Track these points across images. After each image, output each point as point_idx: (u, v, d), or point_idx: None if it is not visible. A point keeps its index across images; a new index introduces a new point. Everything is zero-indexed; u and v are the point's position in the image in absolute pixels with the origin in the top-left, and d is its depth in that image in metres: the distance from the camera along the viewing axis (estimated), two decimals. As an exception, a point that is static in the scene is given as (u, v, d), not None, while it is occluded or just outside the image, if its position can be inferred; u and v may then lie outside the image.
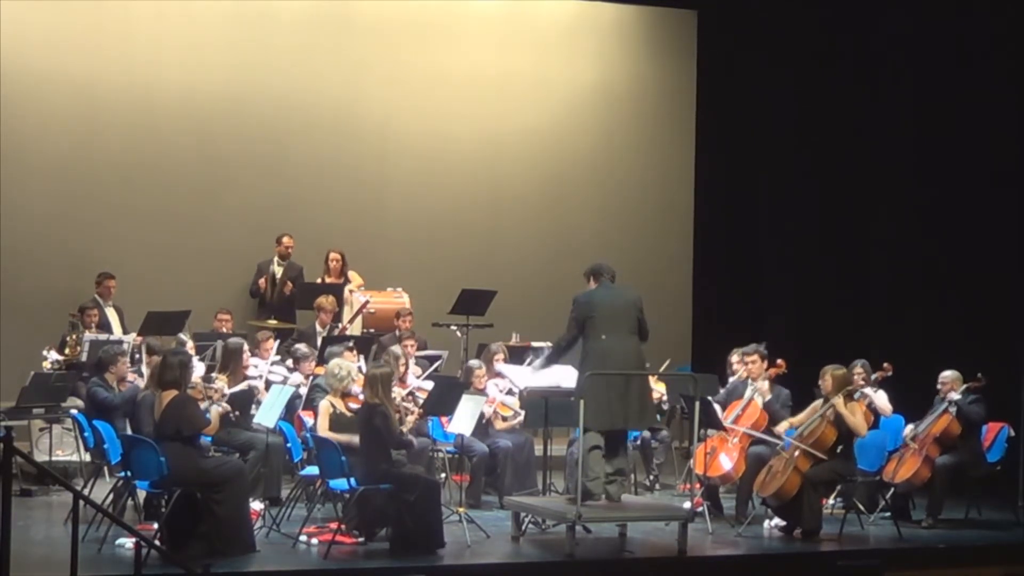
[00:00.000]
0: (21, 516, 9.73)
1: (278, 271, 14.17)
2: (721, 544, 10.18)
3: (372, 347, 12.71)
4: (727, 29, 15.92)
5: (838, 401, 10.29)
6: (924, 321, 14.23)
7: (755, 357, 11.13)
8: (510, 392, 11.73)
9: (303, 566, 9.06)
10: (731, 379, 11.54)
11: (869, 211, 14.99)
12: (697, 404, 10.01)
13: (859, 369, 11.39)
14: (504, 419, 11.66)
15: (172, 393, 9.14)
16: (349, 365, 10.32)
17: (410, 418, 10.11)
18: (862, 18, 14.94)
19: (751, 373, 11.13)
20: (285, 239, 14.23)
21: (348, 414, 9.89)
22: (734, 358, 11.65)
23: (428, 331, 13.65)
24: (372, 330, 13.71)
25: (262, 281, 14.06)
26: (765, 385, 11.04)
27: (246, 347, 11.24)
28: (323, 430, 9.79)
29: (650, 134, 16.28)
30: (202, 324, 13.29)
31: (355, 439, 9.56)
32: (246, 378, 10.97)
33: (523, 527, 10.06)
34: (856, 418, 10.31)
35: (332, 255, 14.19)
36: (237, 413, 10.32)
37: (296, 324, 13.90)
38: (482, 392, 11.38)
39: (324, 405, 9.97)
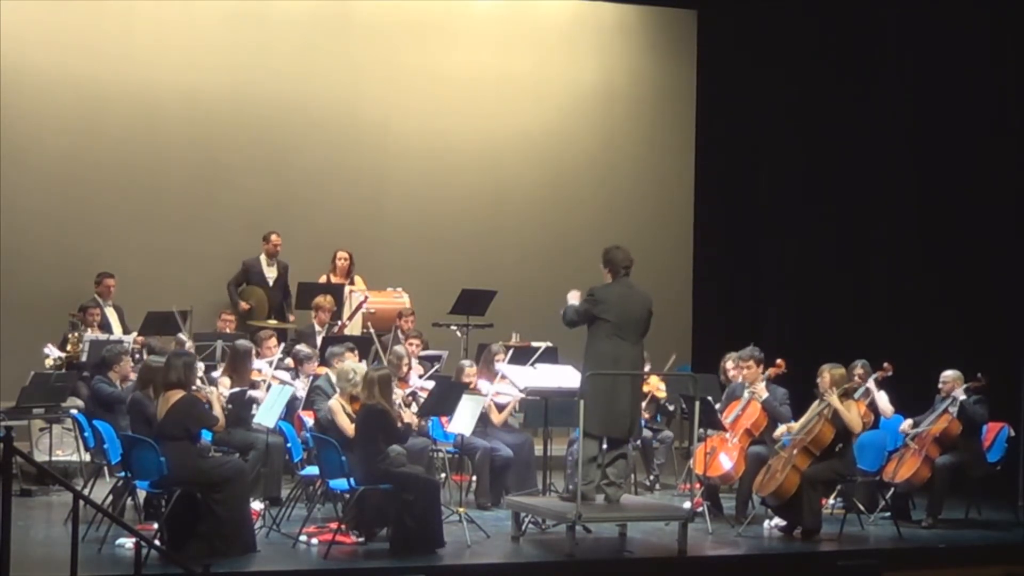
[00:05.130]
0: (21, 516, 9.75)
1: (269, 272, 14.14)
2: (721, 544, 10.18)
3: (372, 348, 12.70)
4: (727, 29, 15.93)
5: (833, 398, 10.30)
6: (924, 321, 14.23)
7: (751, 363, 11.11)
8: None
9: (303, 566, 9.06)
10: (728, 384, 11.53)
11: (869, 211, 14.98)
12: (697, 404, 10.01)
13: (859, 369, 11.39)
14: (500, 409, 11.63)
15: (178, 393, 9.13)
16: (362, 368, 10.23)
17: (407, 417, 10.08)
18: (861, 18, 14.94)
19: (747, 378, 11.13)
20: (273, 237, 14.16)
21: (352, 416, 9.89)
22: (728, 364, 11.65)
23: (428, 331, 13.65)
24: (373, 330, 13.70)
25: (244, 305, 13.98)
26: (761, 386, 11.04)
27: (253, 350, 11.24)
28: (348, 430, 9.65)
29: (650, 134, 16.29)
30: (202, 324, 13.29)
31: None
32: (252, 382, 10.96)
33: (523, 527, 10.05)
34: (851, 414, 10.32)
35: (340, 254, 14.19)
36: (230, 406, 10.30)
37: (294, 324, 13.91)
38: (474, 390, 11.37)
39: (336, 406, 9.87)
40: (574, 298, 10.05)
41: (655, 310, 10.05)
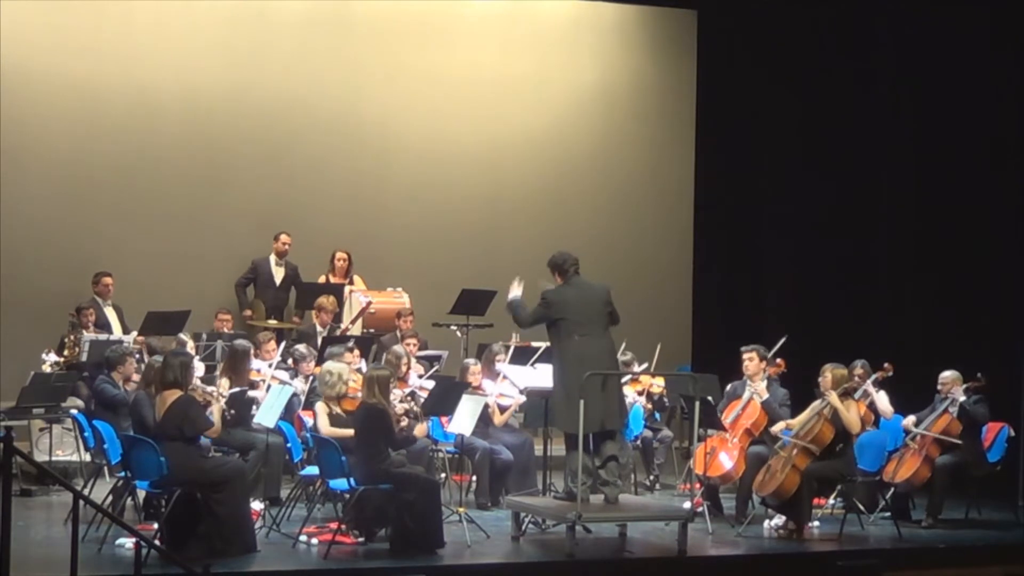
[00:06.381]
0: (21, 516, 9.73)
1: (277, 272, 14.19)
2: (721, 544, 10.18)
3: (372, 347, 12.72)
4: (727, 29, 15.91)
5: (833, 397, 10.30)
6: (924, 321, 14.23)
7: (753, 355, 11.11)
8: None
9: (303, 566, 9.06)
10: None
11: (869, 210, 14.98)
12: (697, 404, 10.01)
13: (859, 369, 11.37)
14: (503, 410, 11.64)
15: (175, 394, 9.13)
16: (340, 368, 10.24)
17: (405, 422, 10.10)
18: (861, 17, 14.94)
19: (748, 371, 11.12)
20: (283, 237, 14.23)
21: (343, 416, 9.90)
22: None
23: (428, 331, 13.65)
24: (372, 330, 13.72)
25: (247, 312, 14.06)
26: (762, 385, 11.03)
27: (252, 350, 11.24)
28: (324, 429, 9.77)
29: (650, 134, 16.29)
30: (202, 324, 13.29)
31: (349, 432, 9.59)
32: (250, 382, 10.96)
33: (523, 527, 10.06)
34: (851, 414, 10.32)
35: (339, 255, 14.22)
36: (233, 411, 10.30)
37: (296, 324, 13.92)
38: (479, 389, 11.39)
39: (320, 406, 9.96)
40: (517, 289, 10.05)
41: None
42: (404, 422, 10.01)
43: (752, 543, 10.23)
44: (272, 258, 14.24)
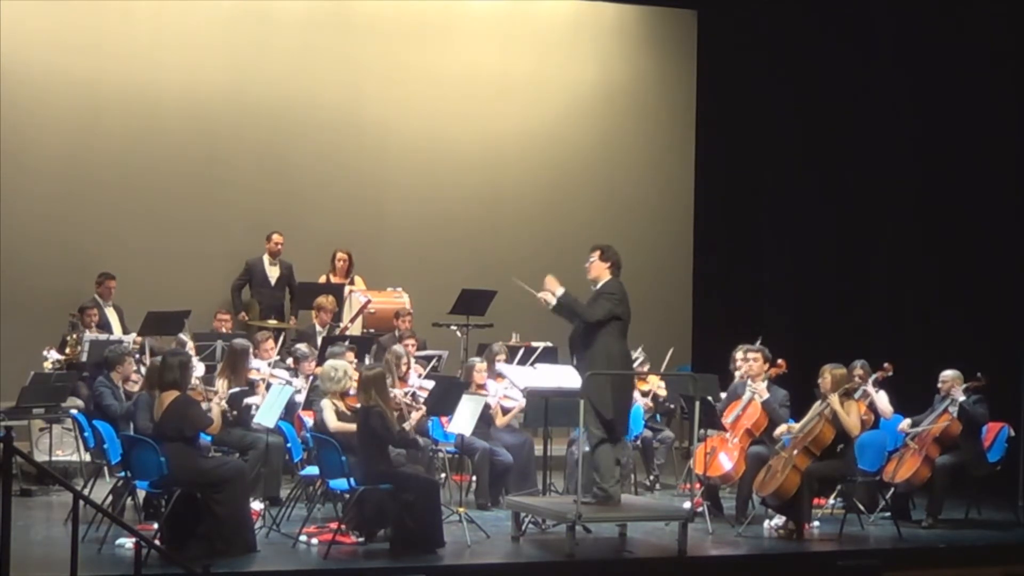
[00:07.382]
0: (21, 516, 9.73)
1: (271, 272, 14.18)
2: (721, 544, 10.18)
3: (372, 347, 12.72)
4: (727, 29, 15.93)
5: (833, 399, 10.30)
6: (924, 321, 14.23)
7: (758, 355, 11.10)
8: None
9: (303, 566, 9.06)
10: (735, 377, 11.50)
11: (870, 210, 14.99)
12: (697, 404, 10.01)
13: (859, 369, 11.38)
14: (505, 412, 11.63)
15: (173, 394, 9.13)
16: (344, 365, 10.23)
17: (415, 415, 10.11)
18: (861, 17, 14.94)
19: (751, 371, 11.10)
20: (275, 236, 14.23)
21: (348, 413, 9.89)
22: (738, 355, 11.61)
23: (428, 331, 13.65)
24: (372, 330, 13.72)
25: (243, 315, 14.06)
26: (763, 386, 11.02)
27: (251, 349, 11.24)
28: (333, 424, 9.73)
29: (650, 134, 16.30)
30: (202, 324, 13.30)
31: (354, 427, 9.60)
32: (249, 382, 10.96)
33: (523, 527, 10.05)
34: (851, 417, 10.31)
35: (339, 255, 14.22)
36: (235, 412, 10.31)
37: (295, 324, 13.92)
38: (483, 389, 11.39)
39: (326, 403, 9.92)
40: (556, 285, 9.89)
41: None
42: (414, 415, 10.03)
43: (752, 543, 10.23)
44: (266, 258, 14.23)
